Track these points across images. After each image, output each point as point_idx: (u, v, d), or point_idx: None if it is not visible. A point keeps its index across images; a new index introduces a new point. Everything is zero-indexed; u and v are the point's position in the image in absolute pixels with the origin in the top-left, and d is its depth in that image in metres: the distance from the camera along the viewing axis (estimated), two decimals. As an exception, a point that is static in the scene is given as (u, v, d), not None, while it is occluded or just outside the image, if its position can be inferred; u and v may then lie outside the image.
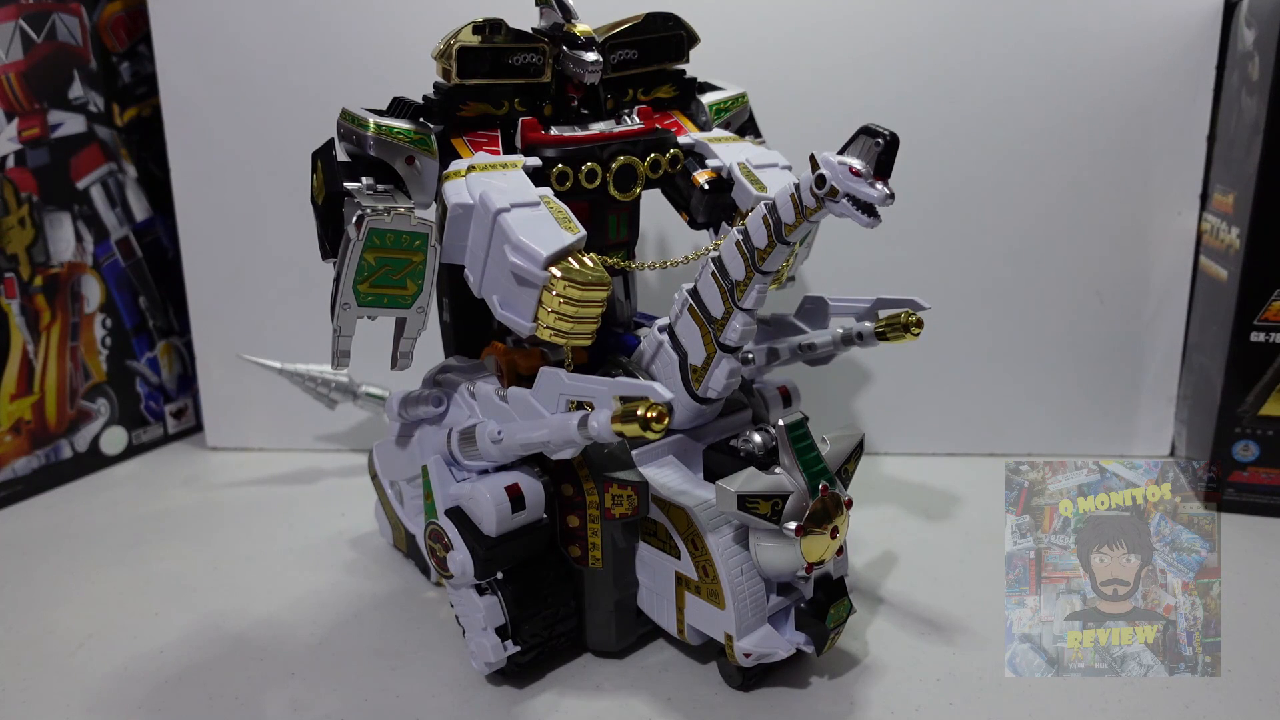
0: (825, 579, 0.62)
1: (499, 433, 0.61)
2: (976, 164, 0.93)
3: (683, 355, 0.64)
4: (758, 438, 0.64)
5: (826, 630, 0.61)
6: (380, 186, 0.63)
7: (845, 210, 0.53)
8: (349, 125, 0.64)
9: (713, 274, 0.61)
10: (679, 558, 0.64)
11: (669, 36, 0.71)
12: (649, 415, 0.51)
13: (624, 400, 0.54)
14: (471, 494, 0.63)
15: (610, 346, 0.70)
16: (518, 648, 0.64)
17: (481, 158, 0.64)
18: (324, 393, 0.92)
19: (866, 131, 0.52)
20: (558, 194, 0.64)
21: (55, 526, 0.90)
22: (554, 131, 0.67)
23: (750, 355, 0.75)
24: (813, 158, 0.53)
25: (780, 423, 0.59)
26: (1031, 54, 0.91)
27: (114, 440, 1.03)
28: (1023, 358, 0.98)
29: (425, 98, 0.66)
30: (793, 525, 0.58)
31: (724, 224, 0.70)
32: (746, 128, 0.78)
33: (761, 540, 0.60)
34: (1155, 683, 0.64)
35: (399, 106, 0.66)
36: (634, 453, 0.65)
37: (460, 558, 0.63)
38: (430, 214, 0.63)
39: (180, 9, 0.94)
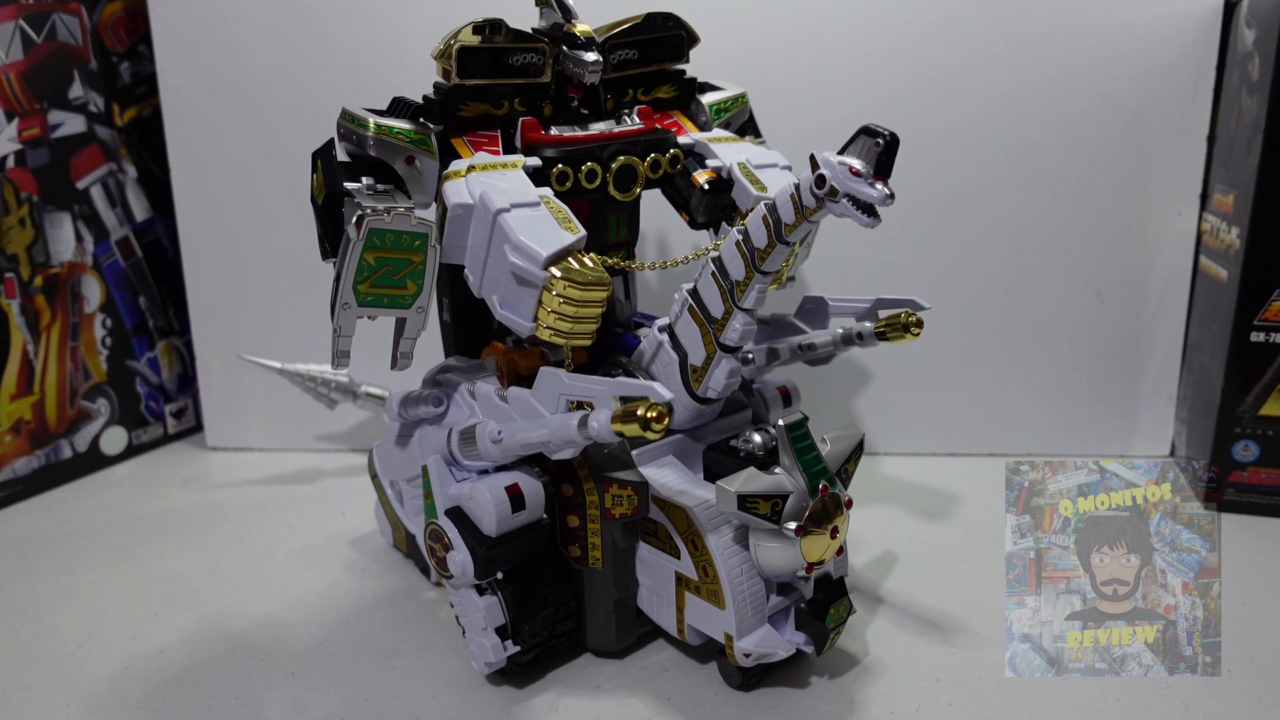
0: (825, 579, 0.62)
1: (499, 433, 0.61)
2: (976, 164, 0.93)
3: (683, 355, 0.64)
4: (758, 438, 0.64)
5: (826, 630, 0.61)
6: (380, 186, 0.63)
7: (845, 210, 0.53)
8: (349, 125, 0.64)
9: (713, 274, 0.61)
10: (679, 558, 0.64)
11: (669, 36, 0.71)
12: (649, 415, 0.51)
13: (624, 400, 0.54)
14: (471, 494, 0.63)
15: (610, 346, 0.70)
16: (518, 648, 0.64)
17: (481, 158, 0.64)
18: (324, 393, 0.92)
19: (866, 131, 0.52)
20: (558, 194, 0.64)
21: (55, 526, 0.90)
22: (554, 131, 0.67)
23: (750, 355, 0.75)
24: (813, 158, 0.53)
25: (780, 423, 0.59)
26: (1031, 54, 0.91)
27: (114, 440, 1.03)
28: (1023, 358, 0.98)
29: (425, 98, 0.66)
30: (793, 525, 0.58)
31: (724, 224, 0.70)
32: (746, 128, 0.78)
33: (761, 540, 0.60)
34: (1155, 683, 0.64)
35: (399, 106, 0.66)
36: (634, 453, 0.65)
37: (460, 558, 0.63)
38: (430, 214, 0.63)
39: (180, 9, 0.94)
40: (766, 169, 0.69)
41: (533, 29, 0.67)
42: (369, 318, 0.62)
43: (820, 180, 0.53)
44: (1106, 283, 0.95)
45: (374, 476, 0.80)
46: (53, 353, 0.97)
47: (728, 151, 0.70)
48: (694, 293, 0.63)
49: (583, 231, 0.60)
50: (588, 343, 0.61)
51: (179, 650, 0.70)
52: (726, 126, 0.75)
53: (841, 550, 0.63)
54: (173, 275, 1.05)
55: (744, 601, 0.61)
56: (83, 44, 0.97)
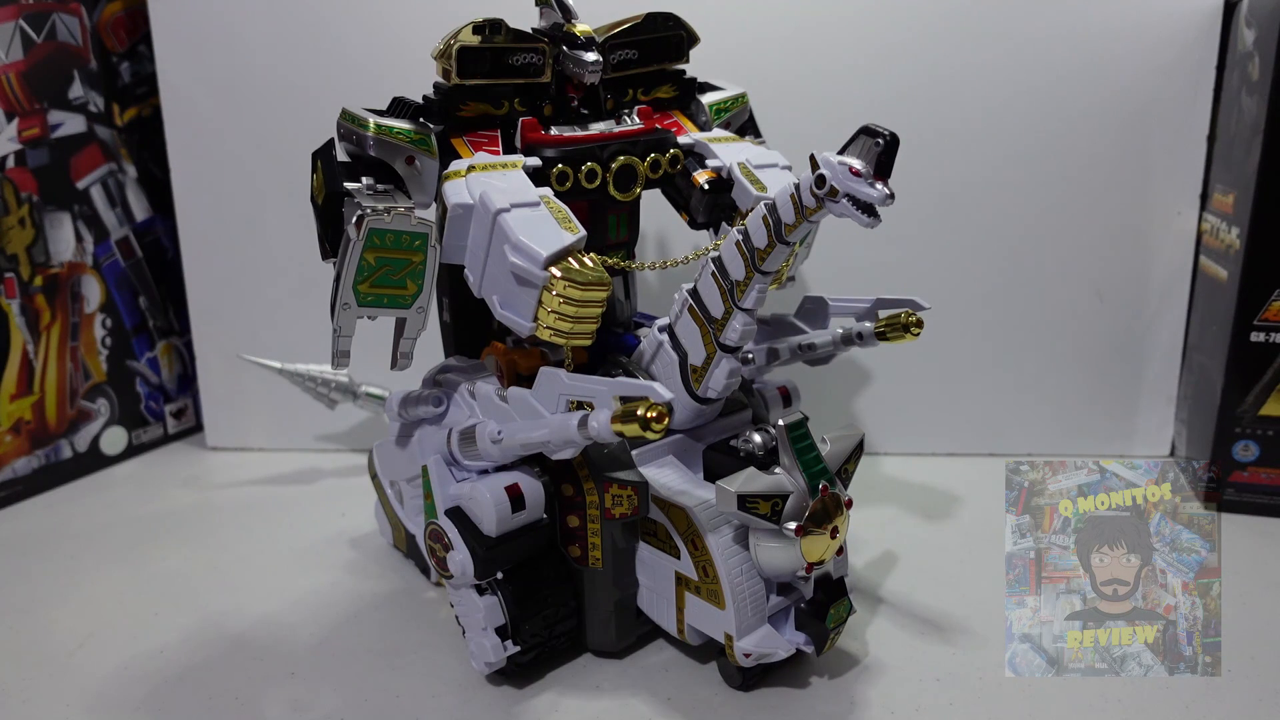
0: (825, 579, 0.62)
1: (499, 433, 0.61)
2: (976, 164, 0.93)
3: (683, 355, 0.64)
4: (758, 438, 0.64)
5: (826, 630, 0.61)
6: (380, 186, 0.63)
7: (845, 210, 0.53)
8: (349, 125, 0.64)
9: (713, 274, 0.61)
10: (679, 558, 0.64)
11: (669, 36, 0.71)
12: (649, 415, 0.51)
13: (624, 400, 0.54)
14: (471, 494, 0.63)
15: (610, 346, 0.70)
16: (518, 648, 0.64)
17: (481, 158, 0.64)
18: (324, 393, 0.92)
19: (866, 131, 0.52)
20: (558, 194, 0.64)
21: (55, 526, 0.90)
22: (554, 131, 0.67)
23: (750, 355, 0.75)
24: (813, 158, 0.53)
25: (780, 423, 0.59)
26: (1031, 54, 0.91)
27: (114, 440, 1.03)
28: (1023, 358, 0.98)
29: (425, 98, 0.66)
30: (793, 525, 0.58)
31: (724, 224, 0.70)
32: (746, 128, 0.78)
33: (761, 540, 0.60)
34: (1155, 683, 0.64)
35: (399, 106, 0.66)
36: (634, 453, 0.65)
37: (460, 558, 0.63)
38: (430, 214, 0.63)
39: (180, 9, 0.94)
40: (766, 169, 0.69)
41: (533, 29, 0.67)
42: (369, 318, 0.62)
43: (820, 180, 0.53)
44: (1106, 283, 0.95)
45: (374, 476, 0.80)
46: (53, 353, 0.97)
47: (728, 151, 0.70)
48: (694, 293, 0.63)
49: (583, 231, 0.60)
50: (588, 343, 0.61)
51: (179, 650, 0.70)
52: (726, 126, 0.75)
53: (841, 550, 0.63)
54: (173, 275, 1.05)
55: (744, 601, 0.61)
56: (83, 44, 0.97)
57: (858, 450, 0.63)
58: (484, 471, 0.65)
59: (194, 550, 0.85)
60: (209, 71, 0.95)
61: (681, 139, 0.71)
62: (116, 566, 0.82)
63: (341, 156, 0.65)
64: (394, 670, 0.68)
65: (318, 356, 0.86)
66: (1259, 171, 0.81)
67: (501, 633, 0.64)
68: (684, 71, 0.74)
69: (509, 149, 0.66)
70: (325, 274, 0.62)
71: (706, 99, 0.75)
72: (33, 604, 0.77)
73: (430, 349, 0.72)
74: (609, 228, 0.70)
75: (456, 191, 0.62)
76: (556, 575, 0.66)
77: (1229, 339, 0.85)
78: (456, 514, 0.64)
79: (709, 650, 0.67)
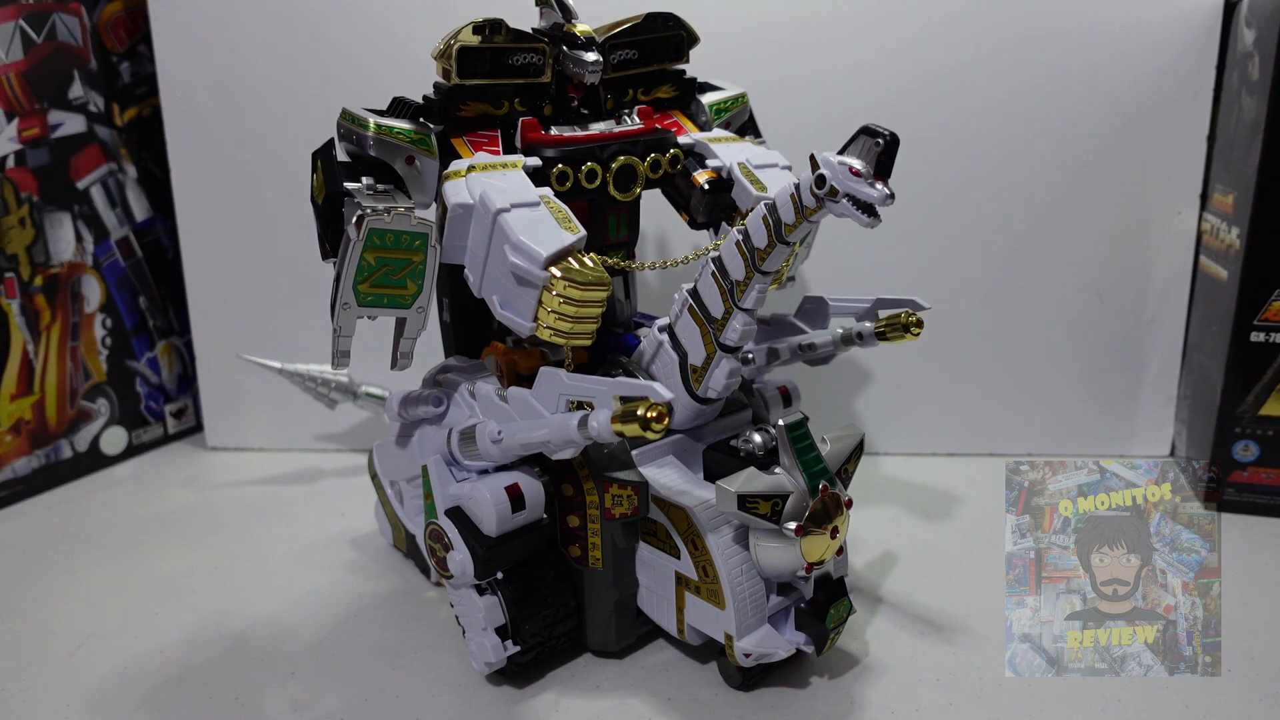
0: (825, 579, 0.62)
1: (499, 433, 0.61)
2: (976, 164, 0.93)
3: (683, 355, 0.64)
4: (758, 438, 0.64)
5: (826, 630, 0.62)
6: (380, 186, 0.63)
7: (845, 210, 0.53)
8: (349, 125, 0.65)
9: (713, 274, 0.61)
10: (679, 558, 0.64)
11: (669, 36, 0.71)
12: (649, 415, 0.51)
13: (624, 400, 0.54)
14: (471, 494, 0.63)
15: (610, 346, 0.70)
16: (518, 648, 0.64)
17: (481, 158, 0.64)
18: (324, 393, 0.92)
19: (866, 131, 0.52)
20: (558, 194, 0.64)
21: (55, 526, 0.90)
22: (554, 131, 0.67)
23: (750, 355, 0.75)
24: (813, 158, 0.53)
25: (780, 423, 0.59)
26: (1031, 54, 0.91)
27: (114, 440, 1.03)
28: (1023, 358, 0.98)
29: (425, 98, 0.66)
30: (793, 525, 0.58)
31: (724, 224, 0.70)
32: (746, 128, 0.78)
33: (761, 540, 0.60)
34: (1155, 683, 0.64)
35: (399, 106, 0.66)
36: (634, 453, 0.65)
37: (460, 558, 0.63)
38: (430, 214, 0.63)
39: (180, 9, 0.94)
40: (766, 169, 0.69)
41: (533, 29, 0.67)
42: (369, 318, 0.62)
43: (820, 180, 0.53)
44: (1106, 282, 0.95)
45: (374, 476, 0.80)
46: (53, 353, 0.97)
47: (728, 151, 0.70)
48: (694, 293, 0.63)
49: (583, 231, 0.60)
50: (588, 343, 0.61)
51: (179, 650, 0.70)
52: (726, 126, 0.75)
53: (841, 550, 0.63)
54: (173, 275, 1.05)
55: (744, 601, 0.61)
56: (83, 44, 0.97)
57: (858, 450, 0.63)
58: (484, 471, 0.65)
59: (194, 550, 0.85)
60: (209, 71, 0.95)
61: (681, 139, 0.71)
62: (116, 566, 0.82)
63: (341, 156, 0.65)
64: (394, 670, 0.68)
65: (318, 356, 0.86)
66: (1259, 171, 0.81)
67: (501, 633, 0.64)
68: (684, 71, 0.74)
69: (509, 149, 0.66)
70: (325, 274, 0.62)
71: (706, 99, 0.75)
72: (33, 604, 0.77)
73: (430, 349, 0.72)
74: (609, 228, 0.70)
75: (456, 191, 0.62)
76: (556, 575, 0.66)
77: (1229, 339, 0.85)
78: (456, 514, 0.64)
79: (709, 650, 0.67)
